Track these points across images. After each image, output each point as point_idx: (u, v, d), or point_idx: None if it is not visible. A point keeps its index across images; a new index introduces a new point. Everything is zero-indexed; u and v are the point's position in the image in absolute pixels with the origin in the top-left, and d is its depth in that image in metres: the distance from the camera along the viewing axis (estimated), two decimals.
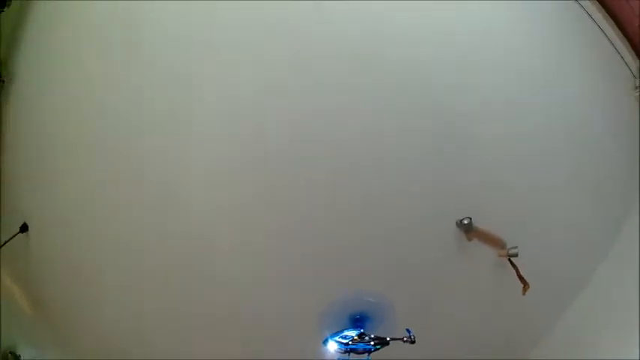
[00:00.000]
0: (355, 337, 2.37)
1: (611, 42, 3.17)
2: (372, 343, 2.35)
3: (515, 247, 3.05)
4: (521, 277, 3.06)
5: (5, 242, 3.23)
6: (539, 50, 3.13)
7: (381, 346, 2.36)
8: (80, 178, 3.15)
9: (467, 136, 3.00)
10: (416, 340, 2.32)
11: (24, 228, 3.28)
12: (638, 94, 3.28)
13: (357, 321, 2.49)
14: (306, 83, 2.85)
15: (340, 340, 2.38)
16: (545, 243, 3.14)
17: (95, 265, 3.29)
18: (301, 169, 2.95)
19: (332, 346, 2.42)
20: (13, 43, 3.09)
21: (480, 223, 3.03)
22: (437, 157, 2.98)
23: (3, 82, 3.08)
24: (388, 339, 2.38)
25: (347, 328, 2.44)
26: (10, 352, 3.39)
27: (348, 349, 2.35)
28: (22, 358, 3.41)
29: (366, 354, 2.35)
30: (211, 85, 2.88)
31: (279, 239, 3.01)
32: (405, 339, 2.36)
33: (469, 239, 3.01)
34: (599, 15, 3.05)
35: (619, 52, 3.21)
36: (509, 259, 3.06)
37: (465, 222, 2.96)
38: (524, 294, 3.07)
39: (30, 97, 3.16)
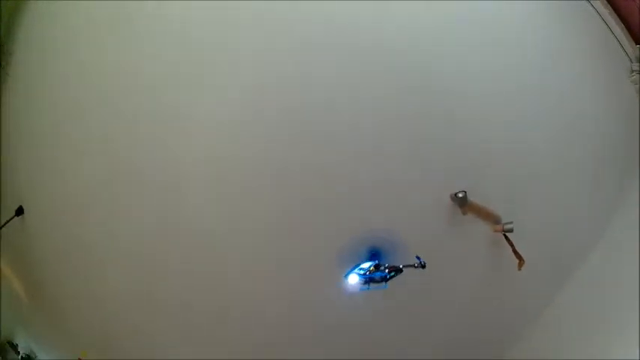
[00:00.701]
0: (372, 268, 2.57)
1: (609, 28, 3.26)
2: (387, 271, 2.60)
3: (511, 223, 3.10)
4: (516, 252, 3.11)
5: (2, 226, 3.25)
6: (540, 41, 3.24)
7: (396, 274, 2.64)
8: (77, 167, 3.19)
9: (469, 116, 3.10)
10: (426, 265, 2.50)
11: (19, 211, 3.29)
12: (633, 77, 3.35)
13: (372, 255, 2.71)
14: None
15: (359, 272, 2.59)
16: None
17: (92, 252, 3.34)
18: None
19: (353, 279, 2.66)
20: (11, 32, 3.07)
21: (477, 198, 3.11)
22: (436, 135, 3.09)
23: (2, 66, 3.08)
24: (401, 266, 2.62)
25: (363, 262, 2.66)
26: (8, 342, 3.41)
27: (367, 279, 2.59)
28: (19, 347, 3.41)
29: (384, 282, 2.60)
30: (210, 83, 2.97)
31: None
32: (415, 265, 2.61)
33: (464, 213, 3.08)
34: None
35: (617, 39, 3.30)
36: (505, 235, 3.11)
37: (460, 195, 3.03)
38: (519, 269, 3.12)
39: (28, 87, 3.16)
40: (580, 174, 3.21)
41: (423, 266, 2.54)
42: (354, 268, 2.65)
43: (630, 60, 3.34)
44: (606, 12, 3.19)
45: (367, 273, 2.57)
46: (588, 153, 3.23)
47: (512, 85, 3.14)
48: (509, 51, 3.11)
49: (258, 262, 3.20)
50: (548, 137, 3.18)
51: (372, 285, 2.61)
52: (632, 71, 3.34)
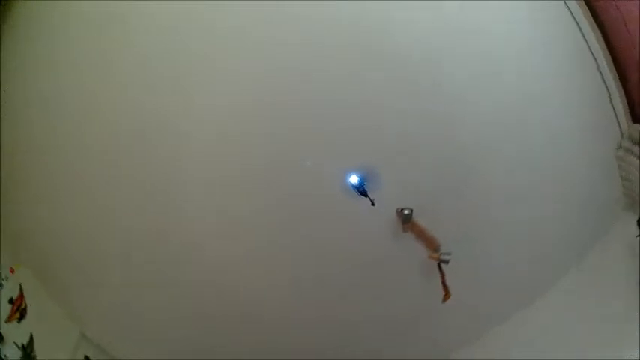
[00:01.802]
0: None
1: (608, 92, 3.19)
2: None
3: (449, 254, 3.07)
4: (444, 285, 3.09)
5: None
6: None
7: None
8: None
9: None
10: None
11: None
12: (619, 153, 3.27)
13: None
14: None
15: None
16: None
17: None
18: None
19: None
20: None
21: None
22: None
23: None
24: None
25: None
26: None
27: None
28: None
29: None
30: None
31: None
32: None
33: (404, 230, 3.06)
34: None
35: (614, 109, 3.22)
36: (439, 264, 3.09)
37: (406, 212, 3.02)
38: (443, 302, 3.10)
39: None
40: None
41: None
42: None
43: (621, 134, 3.27)
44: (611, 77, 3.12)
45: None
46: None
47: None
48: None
49: None
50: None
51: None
52: (620, 147, 3.27)
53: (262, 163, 2.95)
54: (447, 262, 3.07)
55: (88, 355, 3.16)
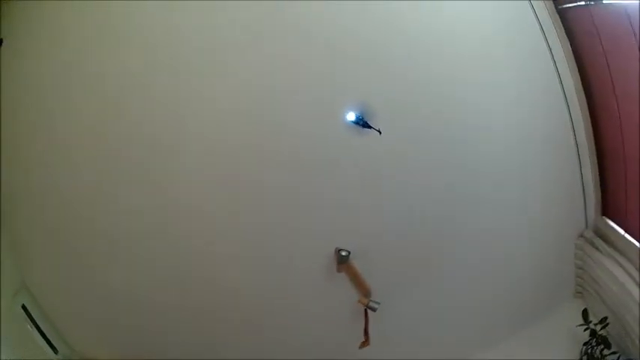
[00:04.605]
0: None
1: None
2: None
3: (378, 303, 3.05)
4: (366, 331, 3.08)
5: None
6: None
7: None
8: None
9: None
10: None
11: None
12: (579, 242, 3.15)
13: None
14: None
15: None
16: None
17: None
18: None
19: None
20: None
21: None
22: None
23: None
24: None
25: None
26: None
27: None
28: None
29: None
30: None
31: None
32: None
33: (338, 271, 3.04)
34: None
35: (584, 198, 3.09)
36: (366, 310, 3.07)
37: (343, 253, 2.98)
38: (359, 347, 3.10)
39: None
40: None
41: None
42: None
43: (586, 224, 3.13)
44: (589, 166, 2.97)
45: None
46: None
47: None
48: None
49: None
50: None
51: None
52: (582, 236, 3.14)
53: None
54: (374, 309, 3.04)
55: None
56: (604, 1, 2.46)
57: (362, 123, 2.81)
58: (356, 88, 2.84)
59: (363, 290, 3.09)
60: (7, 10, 2.54)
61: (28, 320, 2.95)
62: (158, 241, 2.98)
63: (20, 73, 2.66)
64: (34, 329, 2.96)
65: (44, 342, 2.98)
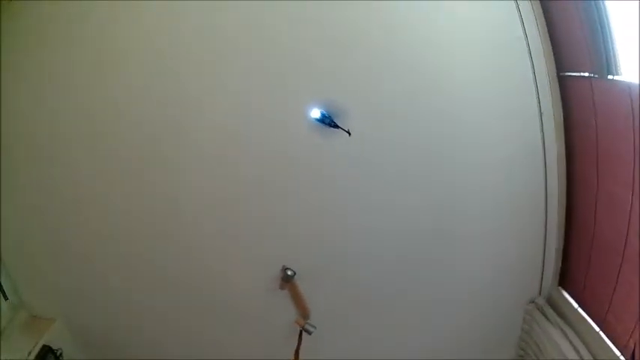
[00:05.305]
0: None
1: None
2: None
3: (314, 327, 2.98)
4: (297, 353, 3.01)
5: None
6: None
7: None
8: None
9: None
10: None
11: None
12: (529, 307, 3.09)
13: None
14: None
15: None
16: None
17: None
18: None
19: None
20: None
21: None
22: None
23: None
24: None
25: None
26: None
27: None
28: None
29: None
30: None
31: None
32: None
33: (281, 288, 2.95)
34: None
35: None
36: (301, 332, 2.99)
37: (289, 273, 2.89)
38: None
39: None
40: None
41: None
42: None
43: (540, 291, 3.07)
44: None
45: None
46: None
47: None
48: None
49: None
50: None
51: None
52: (533, 302, 3.08)
53: None
54: (309, 332, 2.97)
55: None
56: (608, 77, 2.35)
57: (329, 122, 2.68)
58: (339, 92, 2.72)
59: (304, 312, 3.00)
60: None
61: None
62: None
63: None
64: None
65: None
